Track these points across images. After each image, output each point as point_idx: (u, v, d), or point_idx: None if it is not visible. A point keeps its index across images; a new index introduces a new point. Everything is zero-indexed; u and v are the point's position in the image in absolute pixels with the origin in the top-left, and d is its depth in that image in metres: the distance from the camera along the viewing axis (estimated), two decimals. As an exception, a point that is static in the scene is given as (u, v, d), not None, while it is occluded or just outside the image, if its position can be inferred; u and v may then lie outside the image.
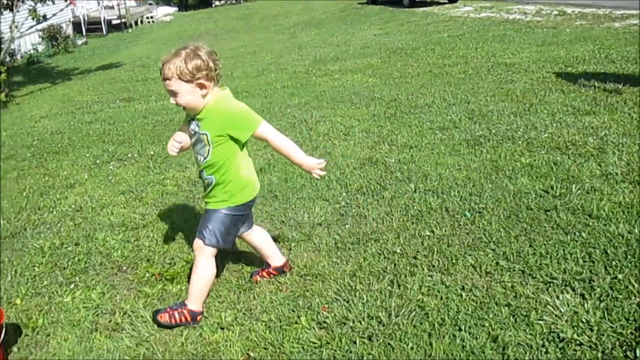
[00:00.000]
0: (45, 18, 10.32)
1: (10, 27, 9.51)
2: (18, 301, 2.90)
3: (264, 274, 2.89)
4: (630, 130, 4.34)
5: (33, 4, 9.78)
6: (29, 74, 13.78)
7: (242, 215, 2.65)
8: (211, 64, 2.40)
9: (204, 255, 2.56)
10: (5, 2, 9.11)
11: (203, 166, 2.55)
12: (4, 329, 2.40)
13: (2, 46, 9.68)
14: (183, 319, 2.56)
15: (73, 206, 4.13)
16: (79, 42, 19.66)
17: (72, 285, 3.02)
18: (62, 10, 11.81)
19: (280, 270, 2.88)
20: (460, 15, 14.42)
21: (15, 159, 5.54)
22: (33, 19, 9.82)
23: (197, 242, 2.57)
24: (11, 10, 9.42)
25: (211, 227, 2.54)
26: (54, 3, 10.08)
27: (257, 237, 2.84)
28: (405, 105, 5.95)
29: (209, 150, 2.48)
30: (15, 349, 2.54)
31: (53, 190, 4.54)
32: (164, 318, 2.56)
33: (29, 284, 3.09)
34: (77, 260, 3.29)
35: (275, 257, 2.88)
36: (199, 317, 2.60)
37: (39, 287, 3.05)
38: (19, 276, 3.18)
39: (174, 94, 2.41)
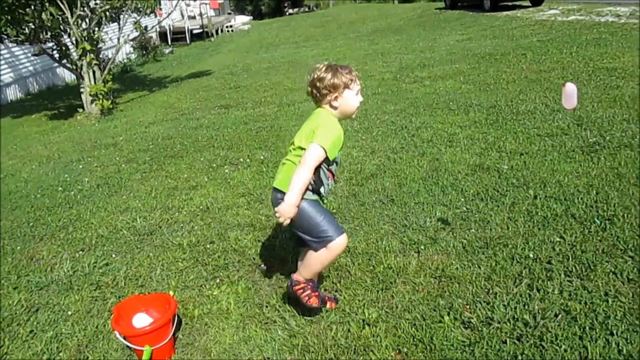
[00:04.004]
0: (146, 29, 10.99)
1: (118, 39, 10.22)
2: (171, 292, 3.17)
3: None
4: None
5: (137, 17, 10.48)
6: (124, 82, 14.65)
7: None
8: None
9: None
10: (112, 15, 9.79)
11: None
12: (176, 320, 2.66)
13: (110, 57, 10.37)
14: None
15: (200, 207, 4.43)
16: (166, 51, 20.67)
17: (217, 280, 3.27)
18: (159, 22, 12.46)
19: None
20: (547, 19, 14.06)
21: (136, 161, 5.97)
22: (137, 30, 10.53)
23: None
24: (118, 22, 10.14)
25: None
26: (156, 16, 10.84)
27: None
28: (506, 112, 5.93)
29: None
30: (180, 335, 2.80)
31: (177, 192, 4.87)
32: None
33: (177, 277, 3.37)
34: (216, 257, 3.55)
35: None
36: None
37: (187, 280, 3.32)
38: (167, 270, 3.47)
39: None
